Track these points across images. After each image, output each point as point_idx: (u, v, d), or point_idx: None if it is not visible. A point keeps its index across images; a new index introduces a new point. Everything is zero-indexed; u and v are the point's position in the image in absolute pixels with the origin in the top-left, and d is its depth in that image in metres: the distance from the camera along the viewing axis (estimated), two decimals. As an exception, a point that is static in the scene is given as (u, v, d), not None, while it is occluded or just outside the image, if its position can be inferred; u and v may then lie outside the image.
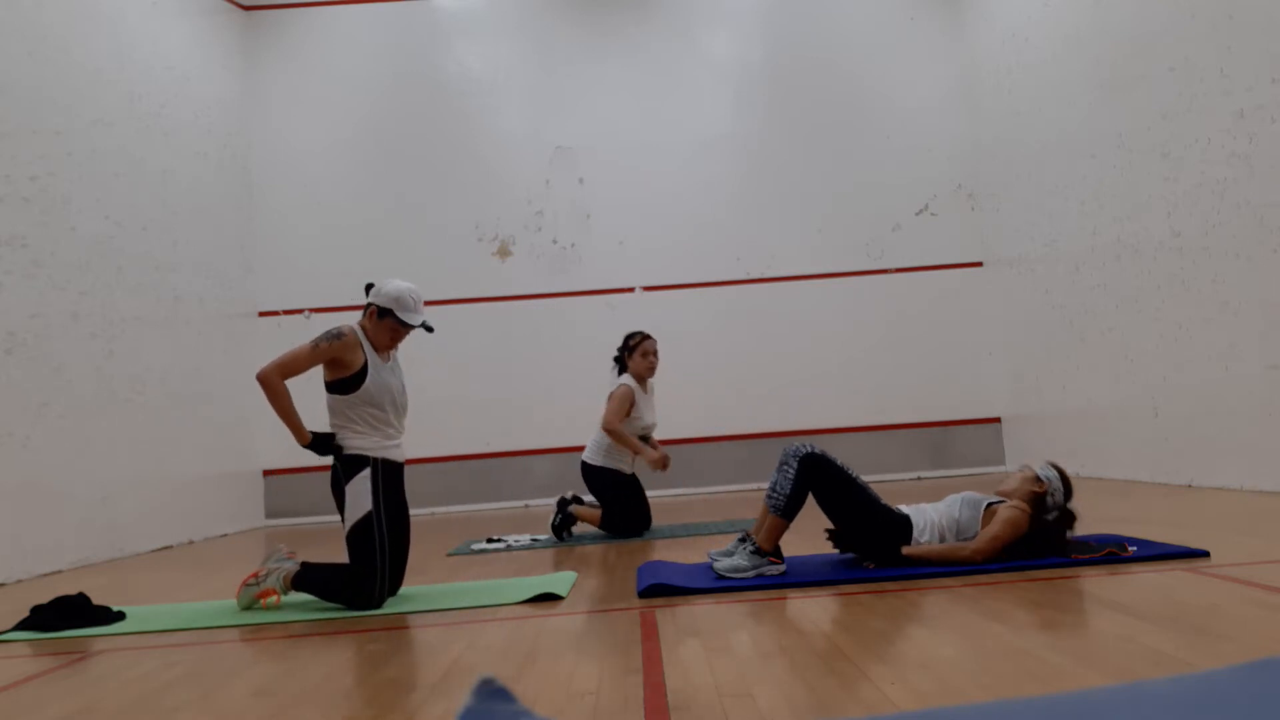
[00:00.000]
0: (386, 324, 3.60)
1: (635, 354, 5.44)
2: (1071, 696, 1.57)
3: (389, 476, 3.58)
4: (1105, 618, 2.49)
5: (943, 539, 3.49)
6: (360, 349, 3.55)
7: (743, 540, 3.50)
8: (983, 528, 3.45)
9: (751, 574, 3.40)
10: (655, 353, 5.49)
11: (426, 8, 8.77)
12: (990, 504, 3.51)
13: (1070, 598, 2.79)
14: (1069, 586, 2.96)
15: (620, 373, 5.49)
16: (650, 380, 5.57)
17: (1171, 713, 1.29)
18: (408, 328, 3.63)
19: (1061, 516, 3.49)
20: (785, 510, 3.46)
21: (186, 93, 7.50)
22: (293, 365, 3.46)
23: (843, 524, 3.56)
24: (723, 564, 3.45)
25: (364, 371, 3.53)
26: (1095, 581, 3.00)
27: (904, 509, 3.56)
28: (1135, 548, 3.39)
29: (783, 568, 3.46)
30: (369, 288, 3.71)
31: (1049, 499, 3.50)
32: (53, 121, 5.88)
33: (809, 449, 3.51)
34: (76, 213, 6.01)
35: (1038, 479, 3.54)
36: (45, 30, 5.92)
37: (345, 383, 3.52)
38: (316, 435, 3.53)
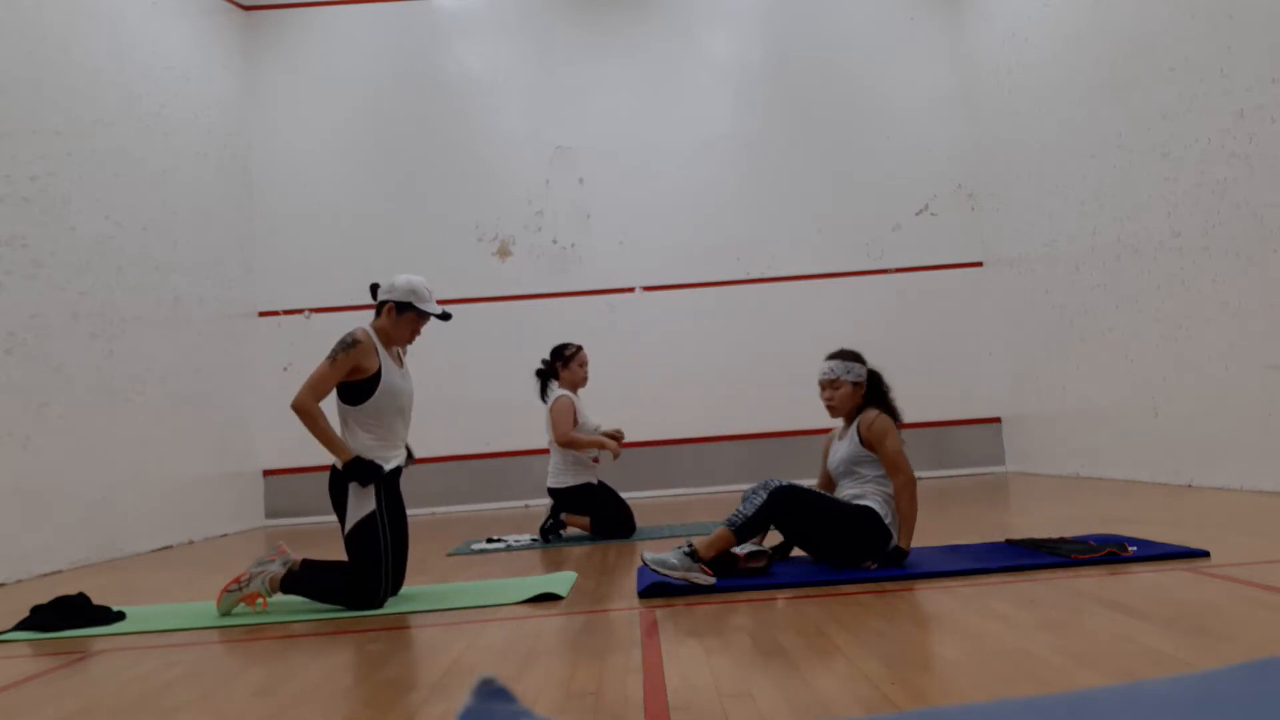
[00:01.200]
0: (407, 318, 3.63)
1: (572, 364, 5.44)
2: (1071, 696, 1.57)
3: (389, 480, 3.59)
4: (1105, 618, 2.49)
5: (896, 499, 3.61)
6: (375, 353, 3.54)
7: (689, 549, 3.43)
8: (882, 458, 3.64)
9: (678, 575, 3.32)
10: (588, 362, 5.53)
11: (426, 8, 8.77)
12: (860, 439, 3.67)
13: (1070, 598, 2.79)
14: (1069, 586, 2.96)
15: (546, 384, 5.46)
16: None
17: (1171, 713, 1.29)
18: (428, 318, 3.66)
19: (871, 379, 3.78)
20: (739, 529, 3.48)
21: (186, 93, 7.50)
22: (320, 386, 3.45)
23: (827, 543, 3.58)
24: (652, 556, 3.43)
25: (378, 376, 3.52)
26: (1095, 581, 3.00)
27: (856, 503, 3.62)
28: (1135, 548, 3.39)
29: (712, 581, 3.34)
30: (374, 289, 3.71)
31: (867, 388, 3.76)
32: (53, 121, 5.88)
33: (779, 483, 3.55)
34: (76, 213, 6.01)
35: (852, 385, 3.73)
36: (45, 30, 5.92)
37: (359, 389, 3.50)
38: (359, 458, 3.48)
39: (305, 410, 3.43)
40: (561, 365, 5.45)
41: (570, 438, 5.29)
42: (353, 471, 3.45)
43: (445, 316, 3.68)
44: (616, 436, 5.37)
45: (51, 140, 5.85)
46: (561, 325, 8.25)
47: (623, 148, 8.59)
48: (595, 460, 5.42)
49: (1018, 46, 7.55)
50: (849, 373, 3.75)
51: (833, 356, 3.80)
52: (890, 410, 3.73)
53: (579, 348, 5.52)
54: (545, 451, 5.64)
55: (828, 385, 3.77)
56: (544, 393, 5.49)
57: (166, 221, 7.02)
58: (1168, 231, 5.75)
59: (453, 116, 8.64)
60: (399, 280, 3.64)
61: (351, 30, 8.72)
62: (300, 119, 8.60)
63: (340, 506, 3.52)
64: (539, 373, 5.52)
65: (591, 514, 5.36)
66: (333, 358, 3.47)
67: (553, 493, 5.44)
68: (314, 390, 3.45)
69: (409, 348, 3.82)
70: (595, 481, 5.43)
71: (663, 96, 8.66)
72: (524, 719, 1.49)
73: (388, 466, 3.57)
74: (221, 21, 8.21)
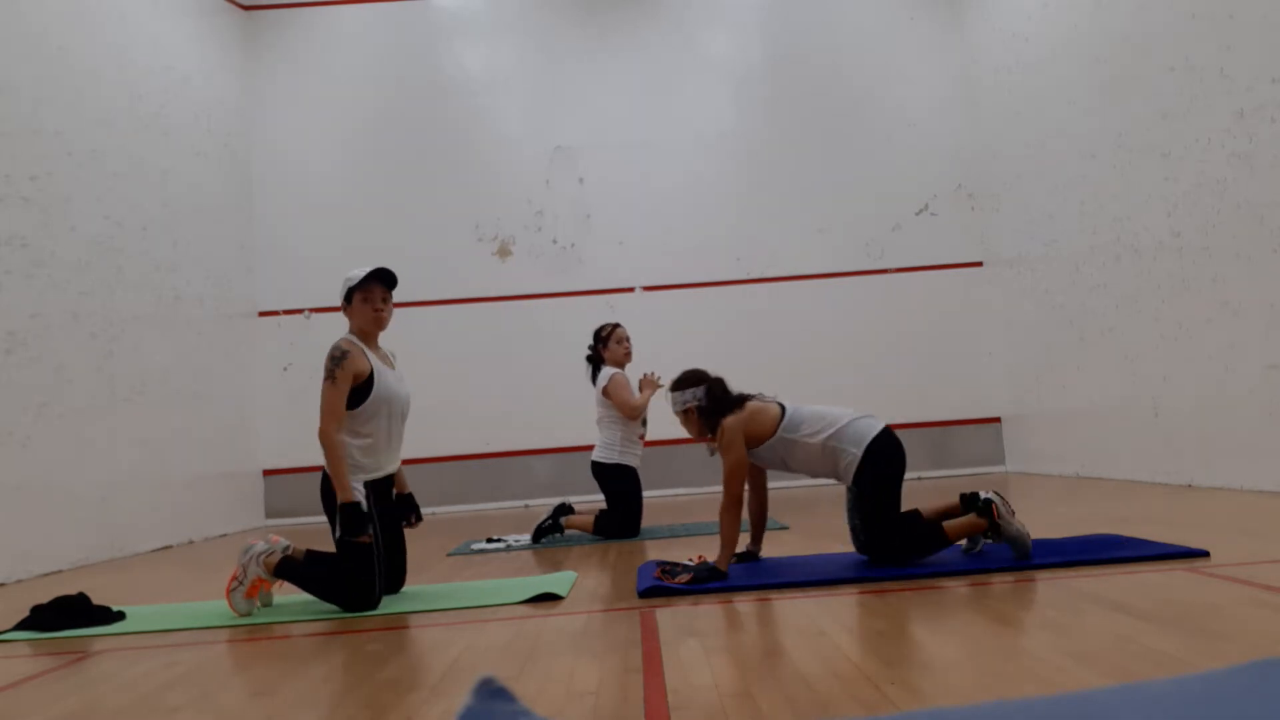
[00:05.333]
0: (356, 301, 3.62)
1: (610, 343, 5.53)
2: (1071, 696, 1.57)
3: (380, 489, 3.62)
4: (1105, 618, 2.49)
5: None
6: (364, 356, 3.56)
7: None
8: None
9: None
10: (628, 339, 5.59)
11: (426, 8, 8.77)
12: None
13: (1070, 598, 2.79)
14: (1069, 586, 2.96)
15: (597, 367, 5.53)
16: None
17: (1171, 713, 1.29)
18: (369, 286, 3.60)
19: (709, 394, 3.66)
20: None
21: (186, 93, 7.50)
22: (334, 410, 3.46)
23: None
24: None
25: (371, 378, 3.54)
26: (1095, 581, 3.00)
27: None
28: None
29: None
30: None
31: (708, 402, 3.65)
32: (53, 121, 5.88)
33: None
34: (76, 213, 6.01)
35: (698, 410, 3.67)
36: (45, 30, 5.92)
37: (354, 393, 3.51)
38: (356, 505, 3.43)
39: (328, 441, 3.43)
40: (603, 346, 5.54)
41: (637, 407, 5.37)
42: (345, 515, 3.42)
43: (380, 272, 3.62)
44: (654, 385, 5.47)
45: (51, 140, 5.85)
46: (561, 325, 8.27)
47: (622, 147, 8.59)
48: (642, 436, 5.50)
49: (1018, 46, 7.55)
50: (675, 404, 3.72)
51: (672, 387, 3.77)
52: (734, 408, 3.60)
53: (615, 325, 5.60)
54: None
55: (680, 417, 3.76)
56: (595, 376, 5.53)
57: (166, 221, 7.02)
58: (1168, 231, 5.75)
59: (453, 116, 8.64)
60: (341, 286, 3.69)
61: (351, 30, 8.72)
62: (300, 119, 8.60)
63: (331, 509, 3.51)
64: (589, 358, 5.59)
65: (612, 503, 5.37)
66: (331, 377, 3.47)
67: (596, 467, 5.45)
68: (331, 415, 3.45)
69: (398, 352, 3.83)
70: (638, 468, 5.46)
71: (663, 96, 8.66)
72: (524, 719, 1.49)
73: (379, 474, 3.59)
74: (221, 21, 8.21)
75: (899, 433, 3.64)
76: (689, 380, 3.75)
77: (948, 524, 3.51)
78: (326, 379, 3.48)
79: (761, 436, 3.57)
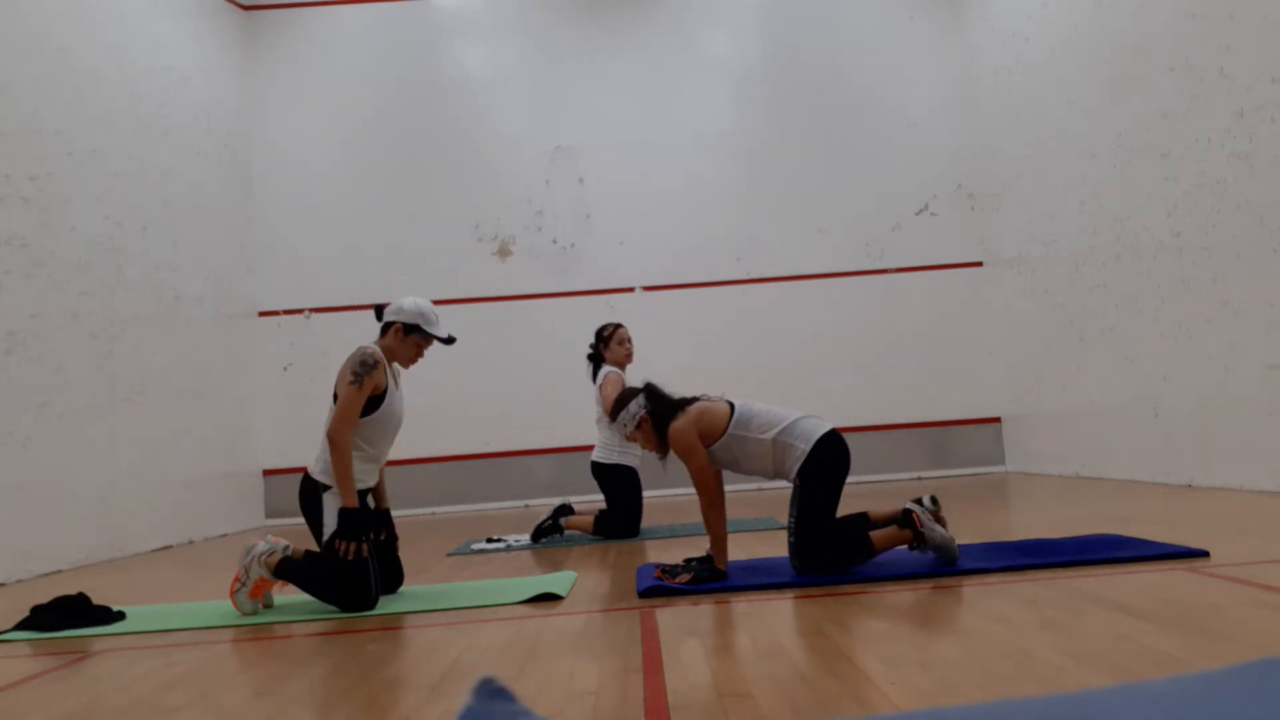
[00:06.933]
0: (414, 339, 3.67)
1: (612, 343, 5.54)
2: (1071, 696, 1.57)
3: (361, 500, 3.61)
4: (1105, 618, 2.49)
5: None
6: (385, 373, 3.59)
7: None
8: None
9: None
10: (630, 339, 5.59)
11: (426, 7, 8.77)
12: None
13: (1070, 598, 2.79)
14: (1069, 586, 2.96)
15: (598, 366, 5.55)
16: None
17: (1171, 713, 1.29)
18: (433, 341, 3.71)
19: (650, 404, 3.59)
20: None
21: (186, 93, 7.50)
22: (351, 412, 3.47)
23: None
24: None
25: (383, 395, 3.57)
26: (1095, 581, 3.00)
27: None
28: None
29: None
30: (379, 311, 3.75)
31: (653, 411, 3.58)
32: (53, 121, 5.88)
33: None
34: (76, 213, 6.01)
35: (638, 430, 3.61)
36: (45, 30, 5.92)
37: (364, 406, 3.52)
38: (358, 511, 3.44)
39: (338, 442, 3.44)
40: (603, 346, 5.55)
41: None
42: (347, 519, 3.43)
43: (450, 340, 3.73)
44: None
45: (51, 140, 5.85)
46: (561, 325, 8.27)
47: (623, 147, 8.60)
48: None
49: (1018, 46, 7.55)
50: (626, 426, 3.63)
51: (612, 417, 3.69)
52: (678, 410, 3.53)
53: (617, 325, 5.61)
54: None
55: (637, 439, 3.68)
56: (595, 375, 5.56)
57: (166, 221, 7.02)
58: (1168, 231, 5.75)
59: (453, 116, 8.64)
60: (406, 303, 3.68)
61: (351, 30, 8.72)
62: (300, 119, 8.61)
63: (314, 514, 3.52)
64: (589, 357, 5.61)
65: (612, 503, 5.38)
66: (358, 382, 3.48)
67: (596, 467, 5.47)
68: (347, 419, 3.46)
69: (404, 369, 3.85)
70: (637, 468, 5.46)
71: (663, 96, 8.66)
72: (524, 719, 1.49)
73: (363, 486, 3.60)
74: (221, 21, 8.21)
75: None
76: (622, 400, 3.67)
77: (874, 534, 3.48)
78: (353, 382, 3.47)
79: (713, 435, 3.51)
